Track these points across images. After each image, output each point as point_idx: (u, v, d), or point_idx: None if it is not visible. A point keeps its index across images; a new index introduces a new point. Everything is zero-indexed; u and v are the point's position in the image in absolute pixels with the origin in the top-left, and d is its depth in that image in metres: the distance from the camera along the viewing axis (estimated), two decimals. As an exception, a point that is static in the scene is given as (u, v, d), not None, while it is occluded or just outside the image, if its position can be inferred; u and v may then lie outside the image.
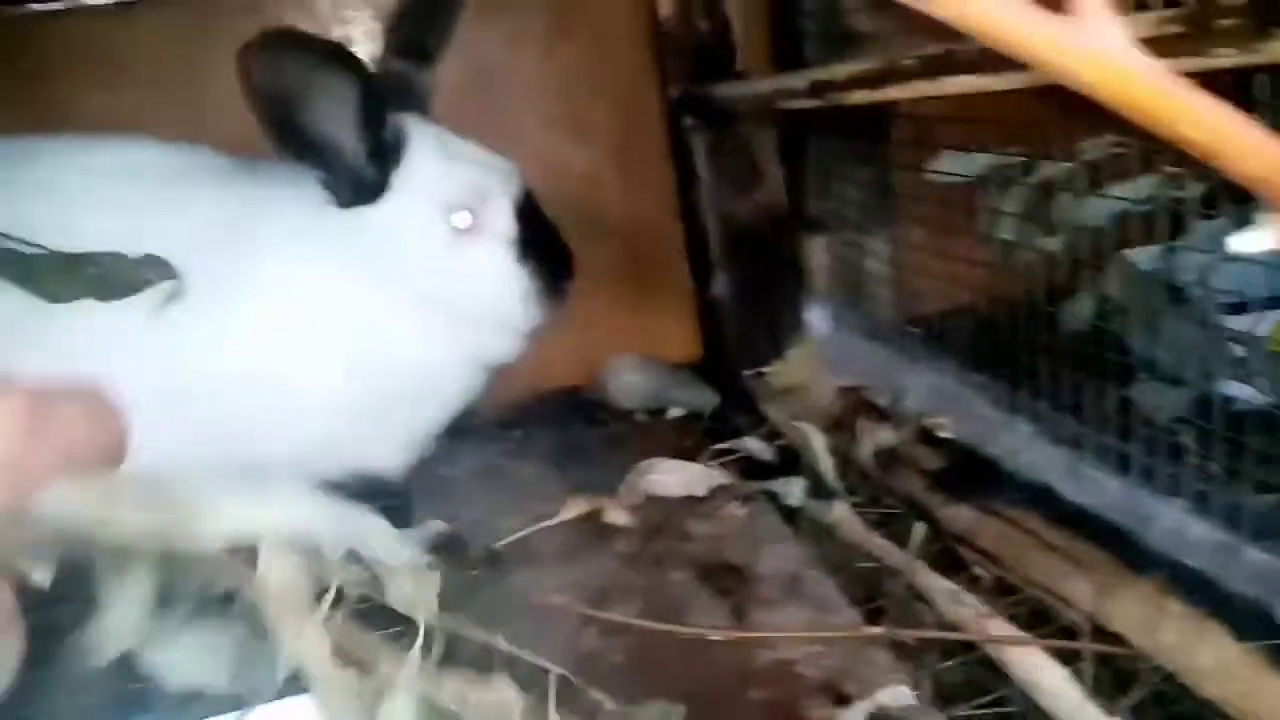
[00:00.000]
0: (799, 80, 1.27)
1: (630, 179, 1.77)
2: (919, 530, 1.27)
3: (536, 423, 1.72)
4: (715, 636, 1.04)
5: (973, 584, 1.17)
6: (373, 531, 0.74)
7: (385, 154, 1.14)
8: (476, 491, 1.45)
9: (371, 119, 1.11)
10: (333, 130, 1.10)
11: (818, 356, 1.66)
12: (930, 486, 1.30)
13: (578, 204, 1.77)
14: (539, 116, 1.71)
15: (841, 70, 1.18)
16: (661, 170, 1.77)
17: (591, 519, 1.31)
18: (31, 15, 1.58)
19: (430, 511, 1.40)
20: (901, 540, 1.26)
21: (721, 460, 1.38)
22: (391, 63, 1.24)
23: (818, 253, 1.76)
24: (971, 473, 1.29)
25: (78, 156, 1.22)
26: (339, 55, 1.09)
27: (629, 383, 1.74)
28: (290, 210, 1.18)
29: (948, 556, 1.23)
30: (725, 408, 1.69)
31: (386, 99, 1.14)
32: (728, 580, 1.15)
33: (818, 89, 1.22)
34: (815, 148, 1.71)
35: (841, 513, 1.30)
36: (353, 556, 0.75)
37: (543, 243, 1.22)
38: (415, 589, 0.75)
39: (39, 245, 1.07)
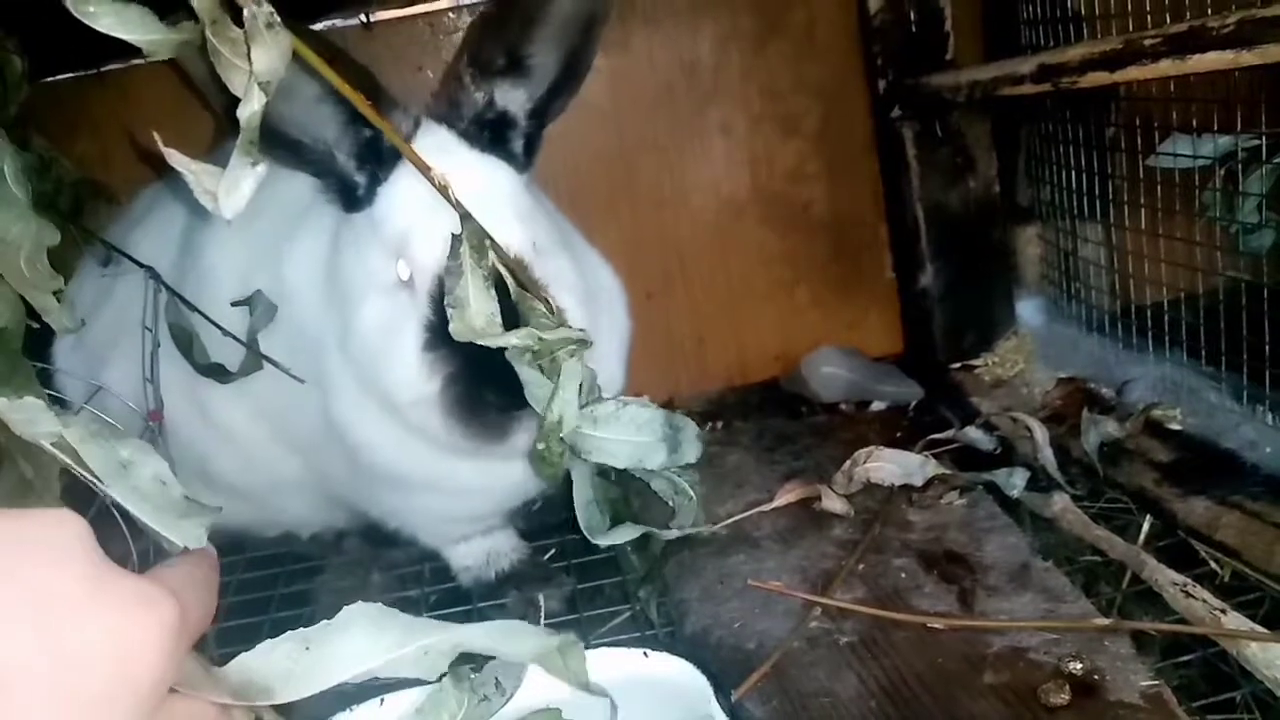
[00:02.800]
0: (1025, 65, 1.25)
1: (836, 172, 1.79)
2: (1148, 523, 1.24)
3: (736, 414, 1.75)
4: (936, 624, 1.04)
5: (1206, 579, 1.13)
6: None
7: (374, 164, 1.02)
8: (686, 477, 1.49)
9: (361, 124, 0.98)
10: (319, 130, 0.99)
11: (1031, 349, 1.63)
12: (1161, 480, 1.26)
13: (783, 197, 1.80)
14: (748, 113, 1.75)
15: (1075, 52, 1.16)
16: (867, 163, 1.77)
17: (806, 505, 1.33)
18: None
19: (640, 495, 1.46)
20: (1126, 534, 1.24)
21: (934, 451, 1.37)
22: (462, 73, 1.06)
23: (1028, 243, 1.73)
24: (1207, 466, 1.24)
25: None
26: (340, 52, 0.90)
27: (831, 375, 1.74)
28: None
29: (1176, 551, 1.20)
30: (931, 401, 1.68)
31: (387, 101, 0.99)
32: (953, 568, 1.15)
33: (1047, 73, 1.20)
34: (1027, 135, 1.67)
35: (1063, 505, 1.27)
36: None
37: (473, 351, 0.92)
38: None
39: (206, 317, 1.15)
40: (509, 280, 0.89)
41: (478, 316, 0.85)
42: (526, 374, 0.93)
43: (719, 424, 1.71)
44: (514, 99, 1.06)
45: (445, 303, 0.87)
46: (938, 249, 1.63)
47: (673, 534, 1.08)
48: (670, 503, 1.10)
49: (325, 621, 0.66)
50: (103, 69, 1.64)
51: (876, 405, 1.71)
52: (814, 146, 1.78)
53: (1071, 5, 1.50)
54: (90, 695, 0.42)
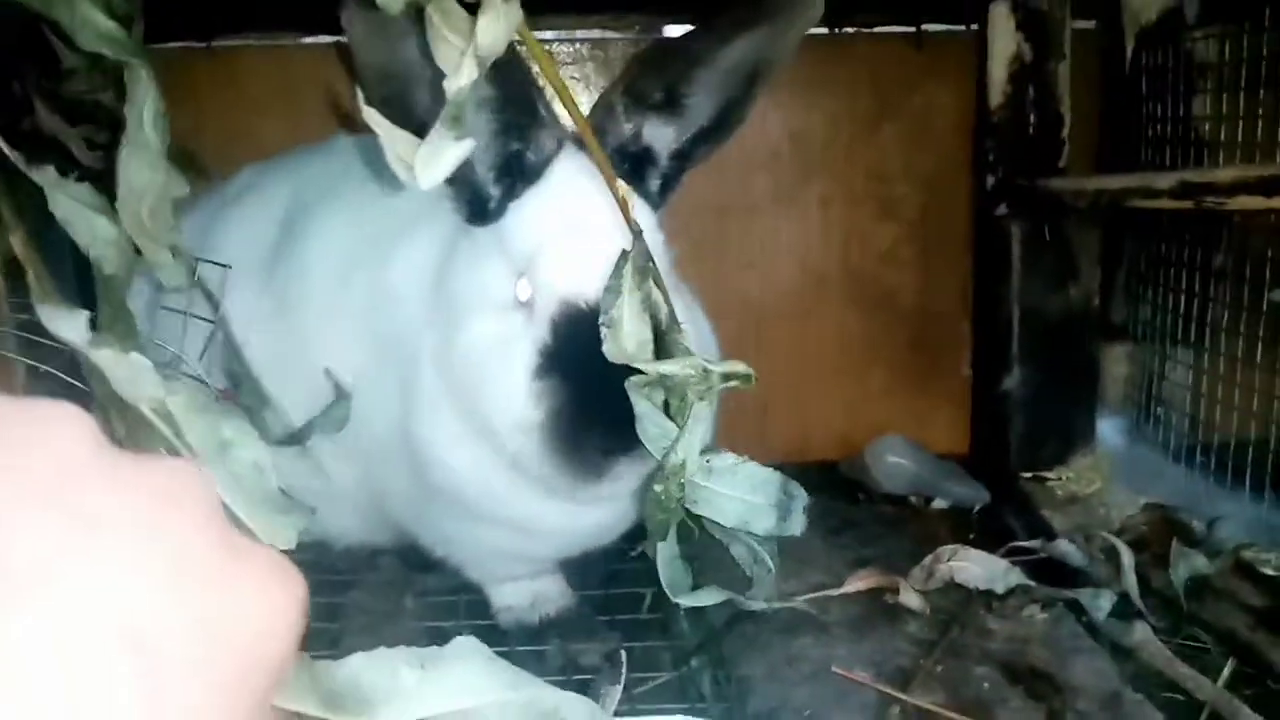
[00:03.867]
0: (1164, 180, 1.23)
1: (928, 261, 1.76)
2: (1230, 667, 1.18)
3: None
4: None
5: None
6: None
7: (512, 179, 0.99)
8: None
9: (509, 136, 0.96)
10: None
11: (1109, 469, 1.58)
12: (1255, 625, 1.20)
13: (871, 279, 1.77)
14: (849, 190, 1.73)
15: (1226, 174, 1.13)
16: (960, 257, 1.74)
17: (876, 595, 1.27)
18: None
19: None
20: (1209, 674, 1.18)
21: (1014, 560, 1.32)
22: (615, 102, 1.02)
23: (1116, 362, 1.69)
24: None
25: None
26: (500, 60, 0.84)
27: (895, 465, 1.69)
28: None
29: (1263, 700, 1.13)
30: (996, 507, 1.62)
31: (540, 118, 0.97)
32: (1039, 685, 1.08)
33: (1189, 191, 1.17)
34: (1131, 252, 1.65)
35: (1145, 636, 1.21)
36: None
37: (585, 384, 0.92)
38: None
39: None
40: (661, 309, 0.84)
41: (630, 339, 0.80)
42: (646, 412, 0.88)
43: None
44: (661, 136, 1.03)
45: (600, 323, 0.83)
46: (1028, 353, 1.59)
47: (757, 605, 1.03)
48: (749, 572, 1.04)
49: (436, 647, 0.60)
50: (212, 43, 1.62)
51: (938, 503, 1.66)
52: (910, 233, 1.75)
53: (1198, 132, 1.49)
54: (225, 669, 0.37)
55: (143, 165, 0.80)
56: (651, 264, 0.85)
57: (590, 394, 0.92)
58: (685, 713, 1.11)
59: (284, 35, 1.63)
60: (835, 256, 1.75)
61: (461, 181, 0.98)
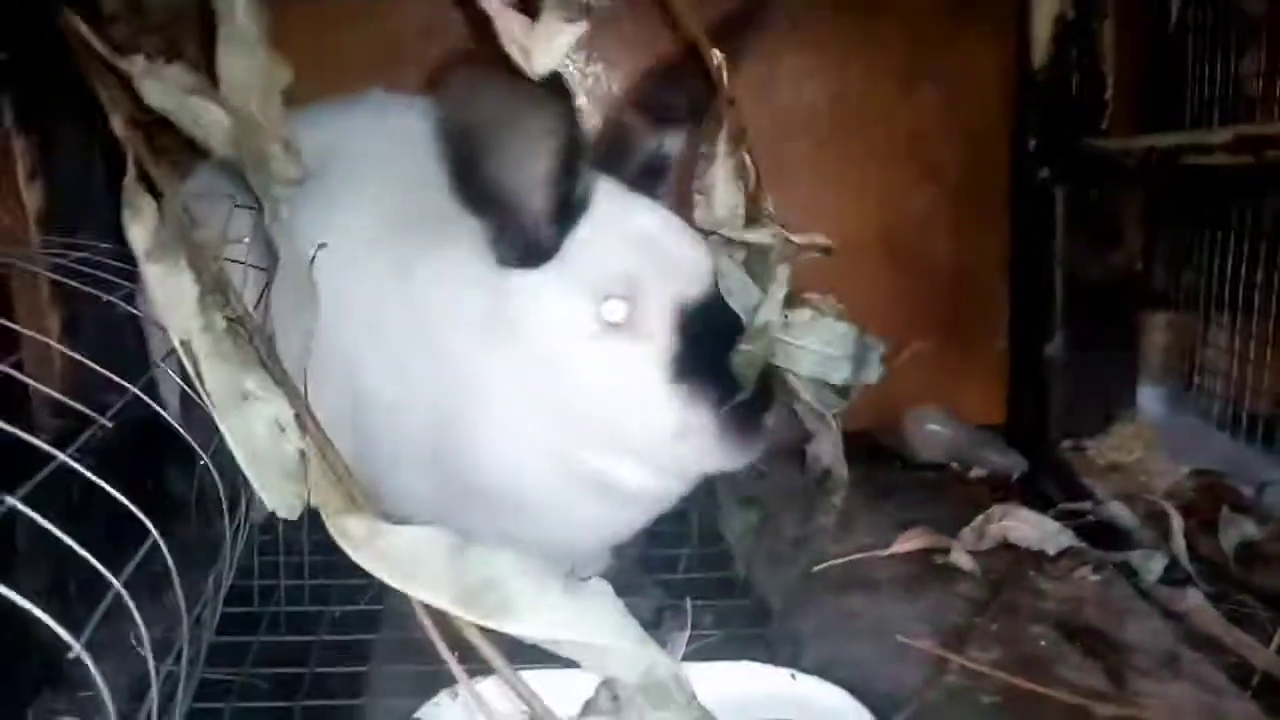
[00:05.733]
0: (1218, 136, 1.21)
1: (966, 225, 1.73)
2: (1280, 634, 1.17)
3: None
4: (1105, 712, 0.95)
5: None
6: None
7: (567, 216, 0.98)
8: (793, 511, 1.42)
9: (566, 176, 0.95)
10: (518, 183, 0.93)
11: (1150, 437, 1.56)
12: (1308, 590, 1.19)
13: (909, 244, 1.75)
14: (887, 150, 1.70)
15: (1285, 126, 1.11)
16: (1000, 222, 1.72)
17: (924, 556, 1.25)
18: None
19: (741, 520, 1.39)
20: (1261, 639, 1.16)
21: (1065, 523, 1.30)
22: (632, 120, 1.06)
23: (1156, 330, 1.67)
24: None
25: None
26: (548, 96, 0.88)
27: (933, 434, 1.67)
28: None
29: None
30: (1035, 475, 1.60)
31: (587, 153, 0.97)
32: (1095, 643, 1.07)
33: (1246, 145, 1.15)
34: (1172, 216, 1.62)
35: (1198, 602, 1.19)
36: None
37: (719, 366, 0.96)
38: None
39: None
40: (750, 176, 0.86)
41: (722, 206, 0.82)
42: (729, 270, 0.94)
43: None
44: (679, 144, 1.06)
45: (693, 188, 0.85)
46: (1069, 318, 1.57)
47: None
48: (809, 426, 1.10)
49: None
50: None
51: (976, 471, 1.64)
52: (949, 196, 1.72)
53: (1246, 90, 1.47)
54: None
55: (241, 55, 0.77)
56: (747, 132, 0.86)
57: (720, 373, 0.96)
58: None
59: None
60: (872, 221, 1.72)
61: (513, 228, 0.98)
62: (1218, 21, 1.50)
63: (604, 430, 1.01)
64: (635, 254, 0.98)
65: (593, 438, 1.02)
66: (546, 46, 0.61)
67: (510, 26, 0.61)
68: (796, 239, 0.89)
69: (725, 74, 0.89)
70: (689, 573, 1.35)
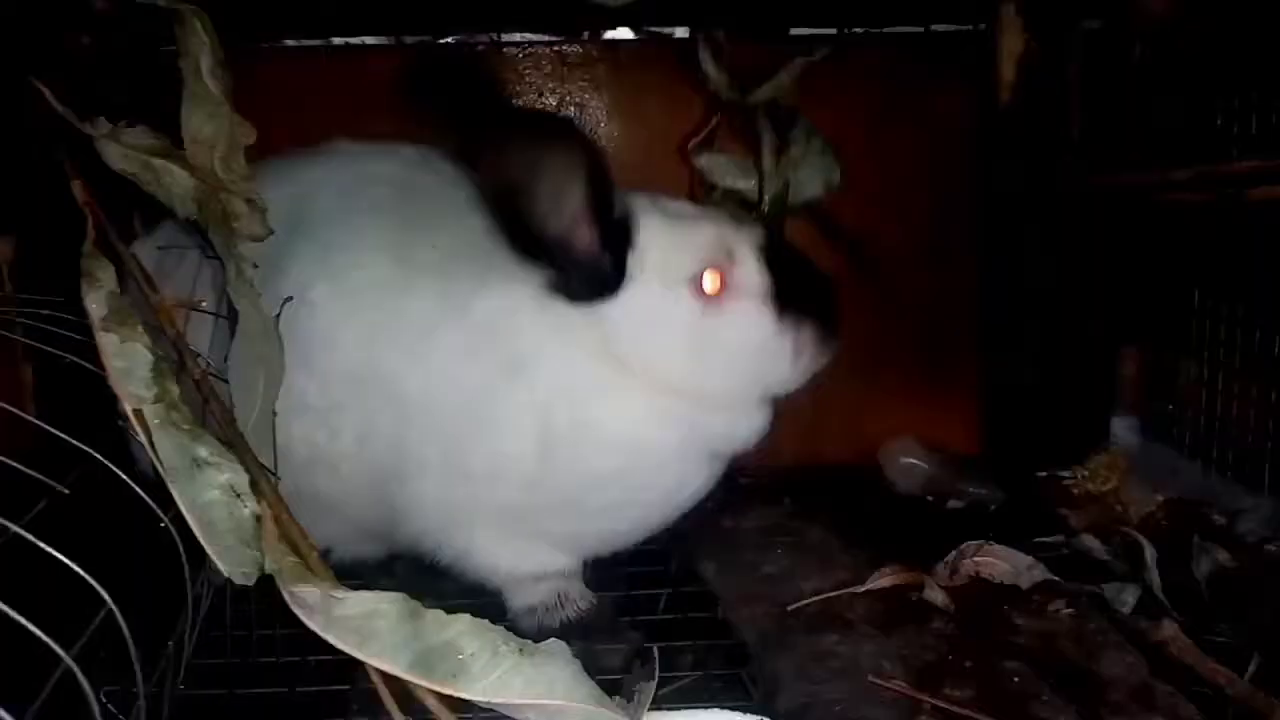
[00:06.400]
0: (1181, 173, 1.23)
1: (938, 262, 1.76)
2: (1255, 662, 1.17)
3: (810, 492, 1.68)
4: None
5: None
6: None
7: (618, 239, 1.07)
8: (767, 548, 1.42)
9: (601, 203, 1.03)
10: (562, 225, 1.01)
11: (1124, 467, 1.57)
12: (1278, 618, 1.19)
13: (883, 279, 1.77)
14: (859, 193, 1.72)
15: (1243, 165, 1.13)
16: (971, 258, 1.74)
17: (899, 593, 1.26)
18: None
19: (717, 559, 1.40)
20: (1236, 669, 1.17)
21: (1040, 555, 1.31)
22: None
23: (1128, 360, 1.69)
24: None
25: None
26: (561, 137, 0.99)
27: (910, 467, 1.69)
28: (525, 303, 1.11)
29: (1286, 696, 1.13)
30: (1012, 506, 1.61)
31: (611, 178, 1.04)
32: (1069, 679, 1.07)
33: (1208, 182, 1.18)
34: (1141, 252, 1.65)
35: (1173, 632, 1.20)
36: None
37: (802, 286, 1.11)
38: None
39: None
40: None
41: None
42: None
43: (786, 500, 1.64)
44: None
45: None
46: (1042, 350, 1.59)
47: None
48: None
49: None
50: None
51: (953, 503, 1.65)
52: (919, 233, 1.75)
53: (1213, 128, 1.49)
54: None
55: (205, 117, 0.79)
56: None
57: (812, 304, 1.12)
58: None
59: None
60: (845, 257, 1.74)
61: (573, 266, 1.06)
62: (1181, 60, 1.53)
63: (733, 388, 1.13)
64: (691, 229, 1.09)
65: (720, 399, 1.14)
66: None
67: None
68: None
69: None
70: (667, 613, 1.35)
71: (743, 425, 1.18)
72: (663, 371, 1.11)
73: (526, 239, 1.03)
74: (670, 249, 1.08)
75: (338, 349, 1.15)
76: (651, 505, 1.23)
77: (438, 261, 1.16)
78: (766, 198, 1.36)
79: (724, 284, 1.08)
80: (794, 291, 1.10)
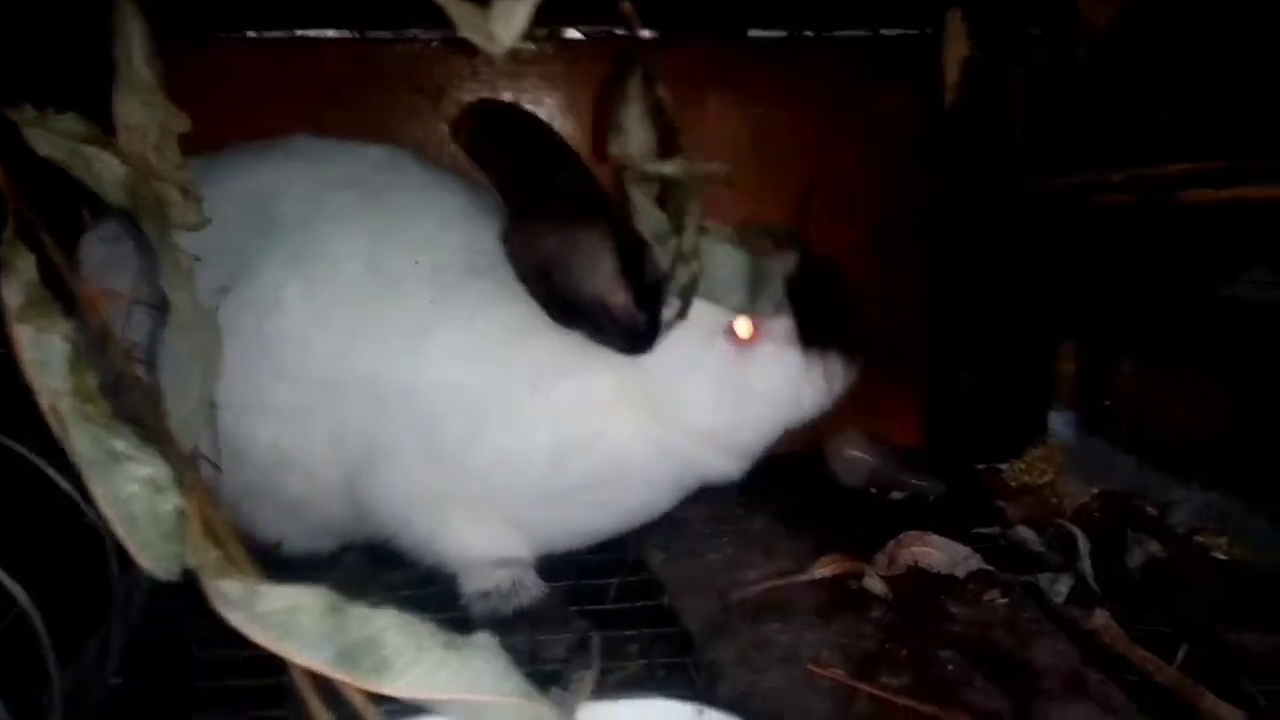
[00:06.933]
0: (1117, 175, 1.26)
1: (884, 260, 1.78)
2: (1183, 650, 1.21)
3: (756, 482, 1.69)
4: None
5: (1258, 714, 1.10)
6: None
7: (652, 296, 1.09)
8: (713, 537, 1.43)
9: (632, 265, 1.07)
10: (596, 289, 1.06)
11: (1061, 460, 1.61)
12: (1210, 607, 1.23)
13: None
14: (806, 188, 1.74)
15: (1175, 168, 1.16)
16: (917, 257, 1.77)
17: (839, 582, 1.28)
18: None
19: (664, 549, 1.41)
20: (1165, 656, 1.20)
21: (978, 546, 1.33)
22: None
23: (1065, 356, 1.72)
24: (1258, 598, 1.22)
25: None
26: (590, 210, 1.05)
27: (854, 459, 1.71)
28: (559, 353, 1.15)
29: (1216, 682, 1.16)
30: (952, 498, 1.64)
31: (642, 243, 1.06)
32: (1002, 667, 1.10)
33: (1140, 185, 1.21)
34: (1080, 252, 1.68)
35: (1105, 620, 1.23)
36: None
37: (826, 310, 1.17)
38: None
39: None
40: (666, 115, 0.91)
41: (633, 142, 0.86)
42: (648, 210, 1.00)
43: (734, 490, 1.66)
44: None
45: (610, 127, 0.90)
46: (981, 347, 1.62)
47: None
48: None
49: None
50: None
51: (895, 495, 1.68)
52: (867, 233, 1.77)
53: (1154, 133, 1.53)
54: None
55: (138, 103, 0.78)
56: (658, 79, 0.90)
57: (833, 333, 1.17)
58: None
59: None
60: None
61: (610, 327, 1.09)
62: (1120, 67, 1.56)
63: (765, 432, 1.20)
64: (740, 271, 1.11)
65: (752, 446, 1.23)
66: (508, 20, 0.62)
67: (465, 16, 0.62)
68: (702, 168, 0.95)
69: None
70: (617, 602, 1.36)
71: (739, 467, 1.25)
72: (695, 418, 1.16)
73: (563, 306, 1.07)
74: (704, 299, 1.10)
75: (311, 350, 1.16)
76: (635, 512, 1.30)
77: (421, 272, 1.17)
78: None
79: (757, 329, 1.13)
80: (819, 319, 1.15)
